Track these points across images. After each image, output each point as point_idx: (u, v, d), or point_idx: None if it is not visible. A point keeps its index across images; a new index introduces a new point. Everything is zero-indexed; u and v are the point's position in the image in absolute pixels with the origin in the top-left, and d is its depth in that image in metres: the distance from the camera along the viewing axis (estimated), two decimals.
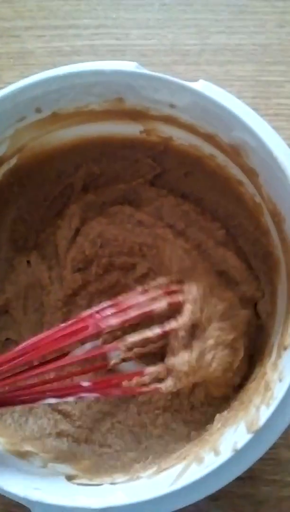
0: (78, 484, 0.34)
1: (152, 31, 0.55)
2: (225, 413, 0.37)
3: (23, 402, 0.35)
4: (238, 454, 0.30)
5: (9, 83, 0.54)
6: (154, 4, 0.55)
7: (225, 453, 0.30)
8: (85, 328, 0.37)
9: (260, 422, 0.30)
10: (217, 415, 0.38)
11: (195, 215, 0.45)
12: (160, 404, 0.41)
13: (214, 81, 0.53)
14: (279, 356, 0.34)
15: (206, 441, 0.34)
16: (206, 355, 0.38)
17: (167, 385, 0.37)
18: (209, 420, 0.39)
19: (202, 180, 0.45)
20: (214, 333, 0.39)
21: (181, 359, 0.37)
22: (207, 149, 0.41)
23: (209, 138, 0.39)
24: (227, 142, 0.38)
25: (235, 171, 0.41)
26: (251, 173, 0.38)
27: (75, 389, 0.36)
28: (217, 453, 0.31)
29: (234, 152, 0.38)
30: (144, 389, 0.37)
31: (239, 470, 0.30)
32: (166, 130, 0.42)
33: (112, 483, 0.33)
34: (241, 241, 0.45)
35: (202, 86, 0.36)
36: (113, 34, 0.56)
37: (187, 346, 0.38)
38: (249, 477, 0.42)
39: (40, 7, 0.56)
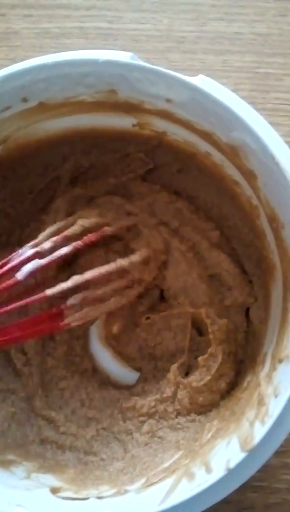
0: (63, 497, 0.32)
1: (146, 15, 0.53)
2: (215, 422, 0.36)
3: None
4: (230, 472, 0.29)
5: None
6: None
7: (218, 471, 0.29)
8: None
9: (254, 440, 0.29)
10: (208, 424, 0.37)
11: (188, 214, 0.43)
12: (144, 410, 0.40)
13: (211, 71, 0.52)
14: (273, 368, 0.33)
15: (197, 454, 0.33)
16: None
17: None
18: (198, 428, 0.38)
19: (196, 177, 0.43)
20: None
21: None
22: (203, 146, 0.39)
23: (206, 136, 0.37)
24: (225, 142, 0.36)
25: (231, 171, 0.39)
26: (249, 175, 0.36)
27: None
28: (208, 469, 0.30)
29: (232, 152, 0.36)
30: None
31: (230, 488, 0.29)
32: (161, 125, 0.39)
33: (98, 497, 0.32)
34: (235, 242, 0.43)
35: (202, 81, 0.33)
36: (104, 17, 0.53)
37: None
38: None
39: None
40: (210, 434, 0.35)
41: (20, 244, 0.45)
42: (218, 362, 0.38)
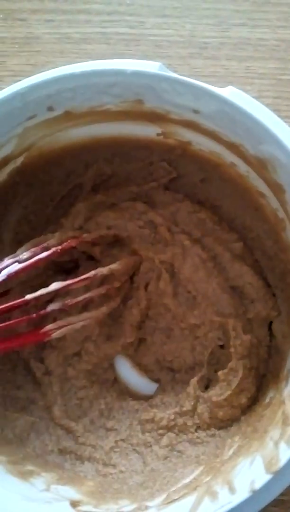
0: None
1: (168, 20, 0.52)
2: (236, 438, 0.36)
3: None
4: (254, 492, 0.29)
5: (14, 71, 0.52)
6: None
7: (242, 492, 0.29)
8: None
9: (280, 462, 0.28)
10: (229, 440, 0.36)
11: (211, 224, 0.43)
12: (163, 423, 0.39)
13: (234, 77, 0.51)
14: None
15: (218, 471, 0.33)
16: None
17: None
18: (219, 444, 0.37)
19: (219, 187, 0.42)
20: None
21: None
22: (228, 157, 0.39)
23: (233, 147, 0.37)
24: (252, 154, 0.35)
25: (256, 183, 0.38)
26: (276, 188, 0.35)
27: None
28: (232, 489, 0.30)
29: (259, 164, 0.35)
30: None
31: (253, 509, 0.29)
32: (186, 135, 0.39)
33: None
34: (258, 254, 0.42)
35: (231, 93, 0.33)
36: (126, 22, 0.52)
37: None
38: None
39: None
40: (231, 451, 0.35)
41: None
42: (239, 377, 0.38)
